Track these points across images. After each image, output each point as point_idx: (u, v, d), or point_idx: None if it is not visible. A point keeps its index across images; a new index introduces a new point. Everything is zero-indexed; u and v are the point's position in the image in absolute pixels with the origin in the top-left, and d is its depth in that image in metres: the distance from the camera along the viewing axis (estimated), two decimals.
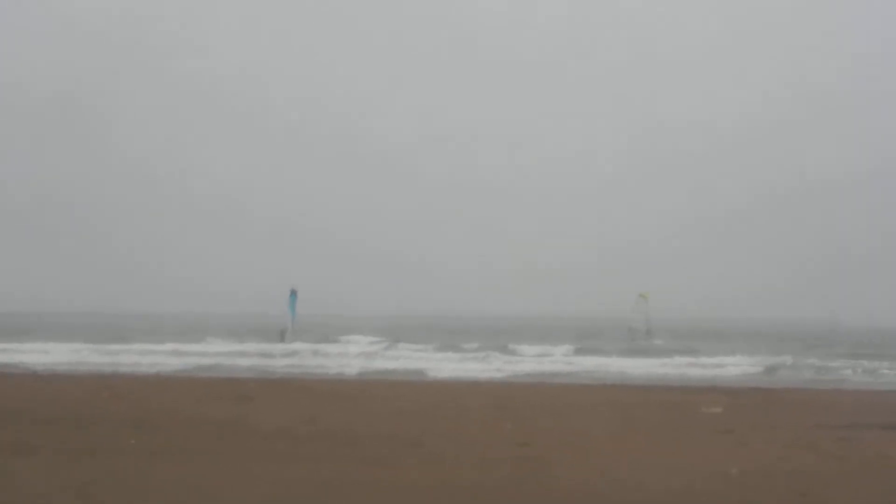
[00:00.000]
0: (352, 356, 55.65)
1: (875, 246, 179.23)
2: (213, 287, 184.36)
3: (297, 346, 62.76)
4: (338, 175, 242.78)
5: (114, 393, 28.45)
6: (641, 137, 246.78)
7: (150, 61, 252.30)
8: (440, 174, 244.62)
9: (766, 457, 17.45)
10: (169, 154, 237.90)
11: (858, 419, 23.46)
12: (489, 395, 29.87)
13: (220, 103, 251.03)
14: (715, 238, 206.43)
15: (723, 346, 65.56)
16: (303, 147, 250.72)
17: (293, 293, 73.95)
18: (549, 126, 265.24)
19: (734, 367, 50.49)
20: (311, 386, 34.19)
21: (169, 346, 59.90)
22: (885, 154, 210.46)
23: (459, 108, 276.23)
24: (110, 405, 24.72)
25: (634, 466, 16.17)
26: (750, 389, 34.48)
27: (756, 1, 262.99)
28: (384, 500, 13.27)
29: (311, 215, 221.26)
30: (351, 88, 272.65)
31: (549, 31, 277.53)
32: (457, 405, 26.02)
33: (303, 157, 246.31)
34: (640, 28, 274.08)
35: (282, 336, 70.16)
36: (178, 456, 16.61)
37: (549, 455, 17.19)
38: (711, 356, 55.93)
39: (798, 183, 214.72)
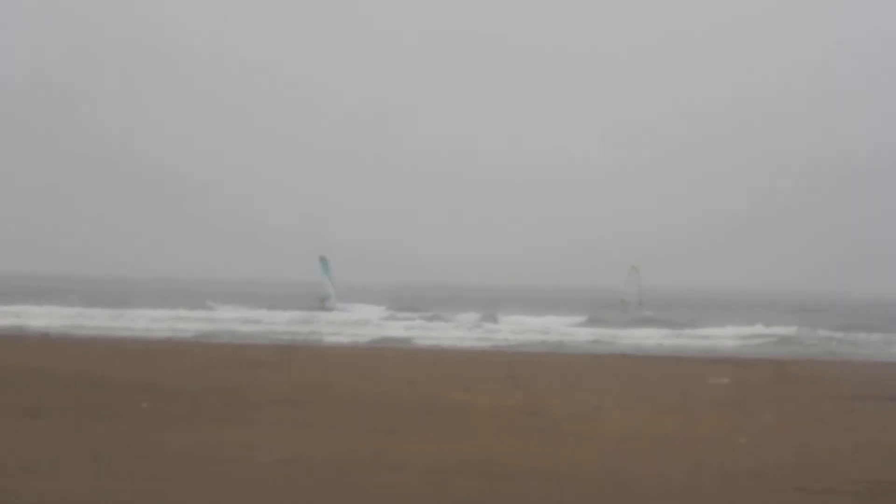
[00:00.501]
0: (360, 324, 55.70)
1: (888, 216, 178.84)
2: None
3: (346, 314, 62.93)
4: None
5: (126, 357, 28.61)
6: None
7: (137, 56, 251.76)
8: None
9: (774, 428, 17.55)
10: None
11: (866, 391, 23.52)
12: (498, 365, 29.94)
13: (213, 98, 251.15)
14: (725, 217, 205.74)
15: (723, 317, 65.45)
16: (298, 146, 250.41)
17: (323, 261, 74.31)
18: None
19: (733, 339, 50.62)
20: (322, 352, 34.32)
21: (202, 314, 60.44)
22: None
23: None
24: (122, 369, 24.84)
25: (643, 437, 16.27)
26: (757, 361, 34.54)
27: None
28: (392, 470, 13.37)
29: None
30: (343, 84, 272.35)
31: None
32: (466, 375, 26.13)
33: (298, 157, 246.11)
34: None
35: (322, 303, 70.49)
36: (188, 422, 16.76)
37: (558, 426, 17.29)
38: (716, 326, 56.07)
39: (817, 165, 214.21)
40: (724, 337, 51.70)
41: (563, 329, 55.14)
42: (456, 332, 52.69)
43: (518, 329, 54.46)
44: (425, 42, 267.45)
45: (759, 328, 55.52)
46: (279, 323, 55.42)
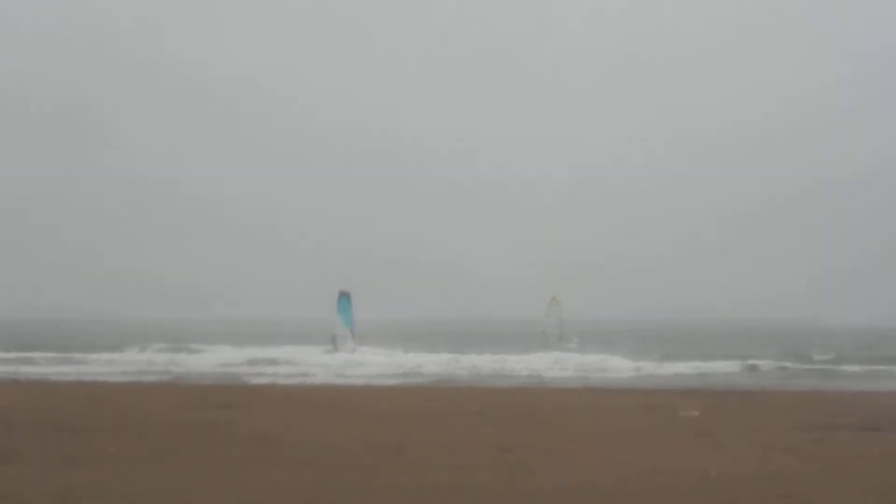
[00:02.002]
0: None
1: (861, 248, 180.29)
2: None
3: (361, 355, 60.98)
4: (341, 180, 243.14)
5: (95, 401, 28.43)
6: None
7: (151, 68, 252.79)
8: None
9: (744, 459, 17.56)
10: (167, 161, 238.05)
11: (836, 420, 23.61)
12: (468, 400, 29.90)
13: (217, 106, 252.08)
14: (696, 245, 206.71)
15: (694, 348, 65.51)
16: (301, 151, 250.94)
17: (343, 296, 67.11)
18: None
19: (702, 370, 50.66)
20: (292, 393, 34.19)
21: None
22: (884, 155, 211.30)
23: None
24: (91, 412, 24.69)
25: (614, 470, 16.25)
26: (727, 391, 34.65)
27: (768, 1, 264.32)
28: None
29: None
30: (353, 89, 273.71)
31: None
32: (436, 410, 26.09)
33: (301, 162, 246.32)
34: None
35: (333, 342, 65.50)
36: (158, 463, 16.64)
37: (530, 460, 17.26)
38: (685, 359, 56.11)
39: (784, 190, 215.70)
40: (692, 368, 51.66)
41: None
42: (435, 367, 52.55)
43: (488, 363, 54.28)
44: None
45: (727, 360, 55.53)
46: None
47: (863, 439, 20.63)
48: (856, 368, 51.95)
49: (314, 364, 54.92)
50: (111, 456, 17.35)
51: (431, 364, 54.29)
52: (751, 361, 54.86)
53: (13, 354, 59.57)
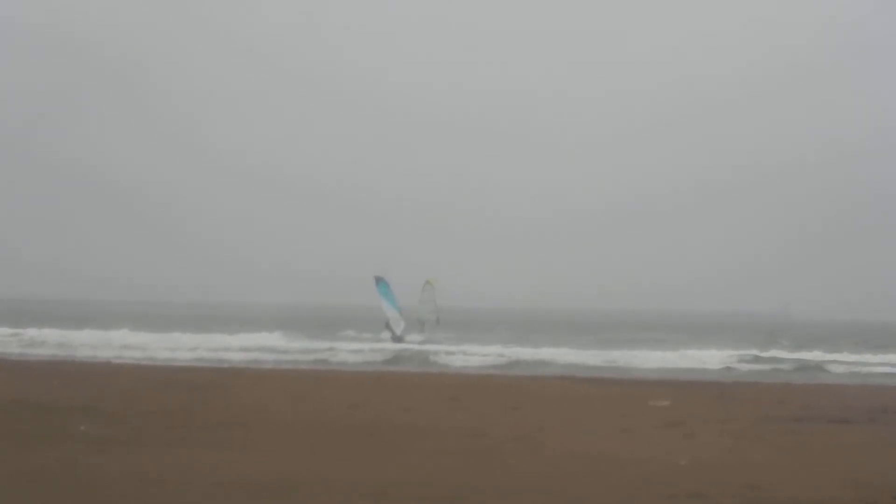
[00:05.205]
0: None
1: (828, 236, 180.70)
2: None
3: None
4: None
5: (66, 379, 28.33)
6: None
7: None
8: None
9: (714, 449, 17.64)
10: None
11: (806, 413, 23.71)
12: (440, 387, 29.90)
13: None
14: (659, 227, 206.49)
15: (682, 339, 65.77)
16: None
17: (379, 281, 63.29)
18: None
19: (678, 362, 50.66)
20: (264, 375, 34.13)
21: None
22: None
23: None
24: (62, 391, 24.61)
25: (585, 458, 16.30)
26: (698, 383, 34.74)
27: None
28: (335, 491, 13.30)
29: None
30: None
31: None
32: (409, 396, 26.10)
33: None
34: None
35: (389, 328, 61.95)
36: (128, 444, 16.61)
37: (502, 447, 17.30)
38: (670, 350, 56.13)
39: (740, 168, 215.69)
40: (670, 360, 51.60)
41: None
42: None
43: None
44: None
45: (700, 350, 55.61)
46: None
47: (831, 431, 20.73)
48: (825, 359, 52.17)
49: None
50: (80, 436, 17.30)
51: None
52: (723, 352, 54.74)
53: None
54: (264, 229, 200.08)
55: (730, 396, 28.49)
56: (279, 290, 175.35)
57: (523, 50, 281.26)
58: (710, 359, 52.11)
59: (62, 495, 12.60)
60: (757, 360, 52.61)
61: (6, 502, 12.16)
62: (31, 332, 59.13)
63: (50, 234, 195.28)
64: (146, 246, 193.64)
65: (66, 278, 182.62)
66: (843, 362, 51.05)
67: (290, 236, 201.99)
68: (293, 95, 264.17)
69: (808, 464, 16.24)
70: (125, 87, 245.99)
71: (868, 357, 54.25)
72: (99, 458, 15.18)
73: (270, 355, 49.83)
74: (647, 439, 18.85)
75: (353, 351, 52.72)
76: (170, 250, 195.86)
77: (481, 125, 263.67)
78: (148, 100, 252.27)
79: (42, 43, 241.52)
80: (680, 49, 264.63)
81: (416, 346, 55.92)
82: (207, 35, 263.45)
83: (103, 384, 27.51)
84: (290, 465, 14.99)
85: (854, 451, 17.97)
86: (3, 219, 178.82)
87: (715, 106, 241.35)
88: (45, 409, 20.70)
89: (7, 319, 68.21)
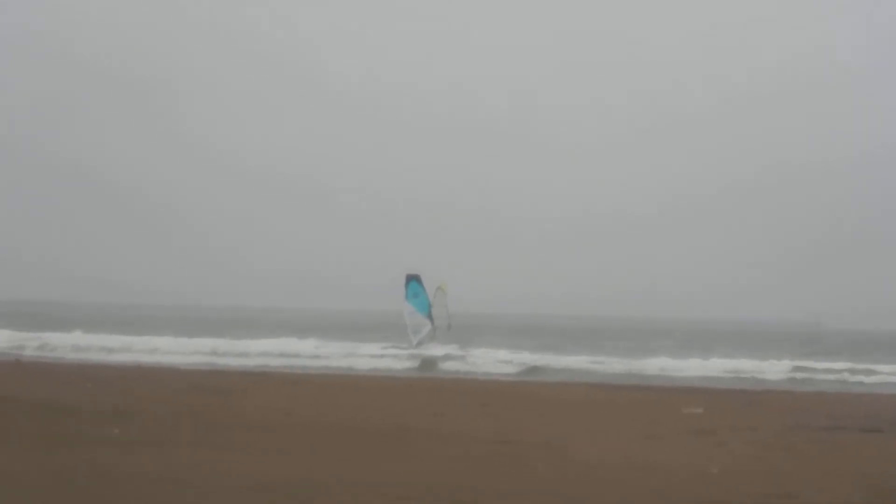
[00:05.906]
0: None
1: (860, 242, 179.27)
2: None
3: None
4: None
5: (97, 383, 28.42)
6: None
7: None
8: None
9: (745, 458, 17.54)
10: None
11: (837, 422, 23.56)
12: (469, 393, 29.85)
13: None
14: (687, 233, 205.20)
15: (705, 347, 65.44)
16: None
17: (411, 280, 58.51)
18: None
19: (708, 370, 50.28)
20: (292, 379, 34.16)
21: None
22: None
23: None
24: (93, 395, 24.68)
25: (614, 465, 16.23)
26: (729, 391, 34.60)
27: None
28: (362, 496, 13.28)
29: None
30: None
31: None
32: (436, 401, 26.08)
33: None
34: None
35: (413, 335, 57.59)
36: (156, 446, 16.63)
37: (529, 454, 17.24)
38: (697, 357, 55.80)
39: (772, 169, 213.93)
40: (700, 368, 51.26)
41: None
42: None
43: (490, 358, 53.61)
44: None
45: (732, 359, 55.27)
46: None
47: (862, 441, 20.59)
48: (854, 368, 51.82)
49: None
50: (113, 438, 17.34)
51: None
52: (750, 362, 54.36)
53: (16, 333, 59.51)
54: (264, 229, 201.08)
55: (760, 404, 28.34)
56: (279, 291, 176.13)
57: (525, 50, 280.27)
58: (740, 367, 51.85)
59: (91, 497, 12.62)
60: (790, 368, 52.28)
61: None
62: (49, 336, 58.82)
63: (49, 234, 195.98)
64: (146, 246, 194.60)
65: (67, 278, 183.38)
66: (876, 372, 50.71)
67: (290, 236, 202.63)
68: (293, 95, 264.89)
69: (839, 473, 16.12)
70: (125, 88, 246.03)
71: None
72: (128, 459, 15.20)
73: (296, 360, 49.90)
74: (677, 447, 18.75)
75: (376, 356, 52.82)
76: (170, 250, 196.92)
77: (481, 125, 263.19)
78: (147, 100, 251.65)
79: (42, 45, 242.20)
80: (695, 47, 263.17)
81: (435, 353, 55.71)
82: (207, 35, 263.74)
83: (130, 387, 27.59)
84: (315, 468, 14.98)
85: (885, 461, 17.85)
86: (3, 219, 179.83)
87: (742, 105, 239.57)
88: (73, 412, 20.75)
89: (26, 324, 68.05)
